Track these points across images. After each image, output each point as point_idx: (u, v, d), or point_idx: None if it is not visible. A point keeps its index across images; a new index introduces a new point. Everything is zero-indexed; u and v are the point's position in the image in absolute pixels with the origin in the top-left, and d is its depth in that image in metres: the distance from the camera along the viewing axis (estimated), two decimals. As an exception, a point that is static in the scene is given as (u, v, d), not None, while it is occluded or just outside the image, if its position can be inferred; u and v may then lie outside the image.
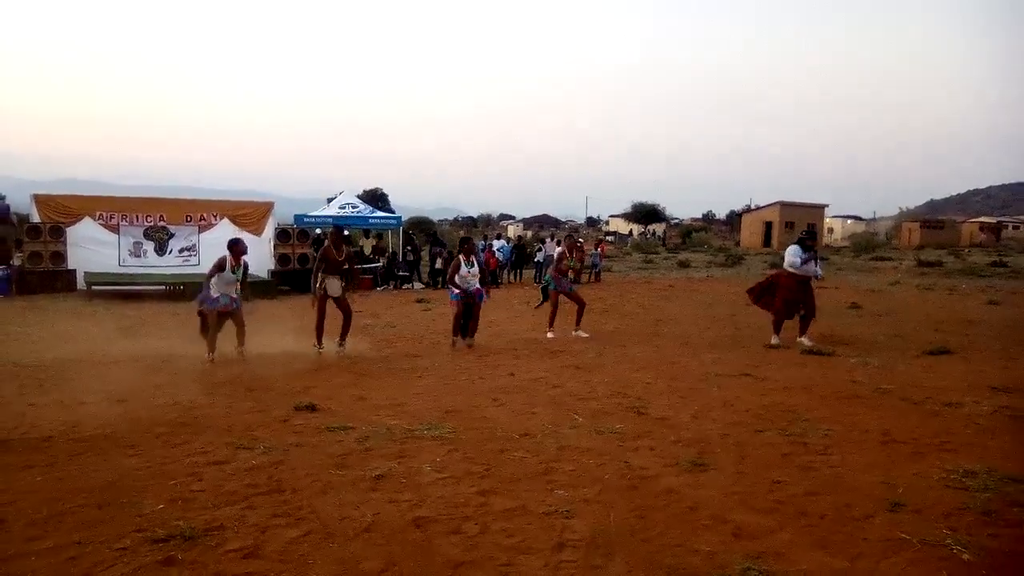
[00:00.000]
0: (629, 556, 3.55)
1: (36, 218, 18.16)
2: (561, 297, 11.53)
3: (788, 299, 10.23)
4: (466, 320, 10.43)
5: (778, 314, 10.35)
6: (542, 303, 11.62)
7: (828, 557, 3.52)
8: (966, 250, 45.72)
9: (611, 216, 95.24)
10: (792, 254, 10.27)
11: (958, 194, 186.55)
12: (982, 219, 76.74)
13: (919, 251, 43.59)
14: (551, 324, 11.46)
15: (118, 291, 17.05)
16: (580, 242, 12.99)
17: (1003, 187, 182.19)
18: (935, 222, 64.84)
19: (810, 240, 10.50)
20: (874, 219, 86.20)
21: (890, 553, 3.55)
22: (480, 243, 22.24)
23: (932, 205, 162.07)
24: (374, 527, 3.85)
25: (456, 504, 4.19)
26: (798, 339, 10.20)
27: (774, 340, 10.27)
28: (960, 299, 17.49)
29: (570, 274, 11.76)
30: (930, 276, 25.26)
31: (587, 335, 11.20)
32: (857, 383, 7.63)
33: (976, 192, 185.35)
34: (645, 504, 4.21)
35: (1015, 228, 72.69)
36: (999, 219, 79.76)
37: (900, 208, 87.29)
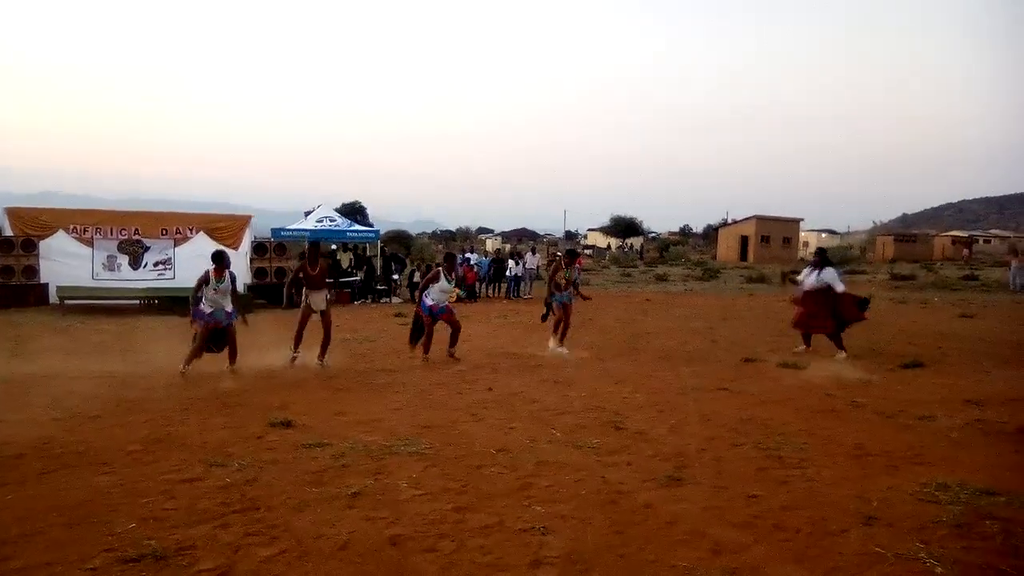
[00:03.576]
0: (606, 572, 3.54)
1: (8, 231, 17.90)
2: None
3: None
4: (421, 332, 10.43)
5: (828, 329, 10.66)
6: (546, 315, 11.46)
7: (804, 571, 3.54)
8: (938, 264, 46.33)
9: (589, 230, 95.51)
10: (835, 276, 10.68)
11: (931, 208, 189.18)
12: (954, 233, 77.80)
13: (892, 265, 44.14)
14: (555, 336, 11.17)
15: (92, 305, 16.84)
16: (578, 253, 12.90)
17: (975, 201, 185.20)
18: (908, 236, 65.69)
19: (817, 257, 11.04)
20: (848, 233, 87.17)
21: (864, 567, 3.58)
22: (458, 257, 22.23)
23: (906, 219, 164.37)
24: (349, 545, 3.82)
25: (433, 521, 4.17)
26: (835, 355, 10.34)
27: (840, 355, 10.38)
28: (933, 312, 17.70)
29: (564, 286, 11.30)
30: (903, 290, 25.55)
31: (564, 351, 11.02)
32: (832, 397, 7.69)
33: (949, 206, 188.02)
34: (622, 519, 4.21)
35: (986, 242, 73.77)
36: (971, 233, 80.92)
37: (874, 222, 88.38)
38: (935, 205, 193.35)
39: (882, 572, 3.53)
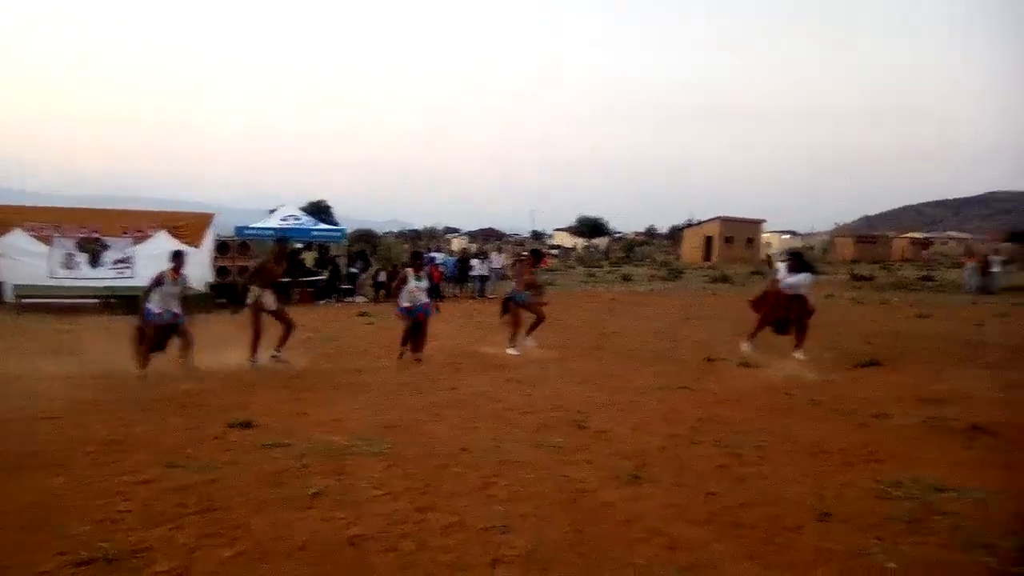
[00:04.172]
0: (565, 570, 3.57)
1: (-38, 229, 17.48)
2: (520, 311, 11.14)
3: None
4: (414, 335, 10.37)
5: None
6: (505, 312, 11.35)
7: (759, 568, 3.59)
8: (897, 264, 47.23)
9: (556, 230, 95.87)
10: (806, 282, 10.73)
11: (891, 210, 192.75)
12: (912, 235, 79.36)
13: (853, 265, 44.88)
14: (516, 337, 11.12)
15: (49, 304, 16.49)
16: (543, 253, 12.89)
17: (933, 204, 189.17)
18: (868, 237, 66.86)
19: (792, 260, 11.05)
20: (810, 234, 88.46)
21: (819, 563, 3.64)
22: (424, 256, 22.20)
23: (866, 221, 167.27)
24: (308, 546, 3.80)
25: (394, 521, 4.16)
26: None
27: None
28: (891, 312, 18.03)
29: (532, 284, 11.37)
30: (863, 290, 26.00)
31: (531, 343, 11.08)
32: (791, 395, 7.81)
33: (908, 208, 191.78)
34: (583, 518, 4.24)
35: (943, 244, 75.36)
36: (928, 235, 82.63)
37: (835, 223, 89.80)
38: (894, 207, 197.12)
39: (835, 568, 3.59)
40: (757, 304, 11.10)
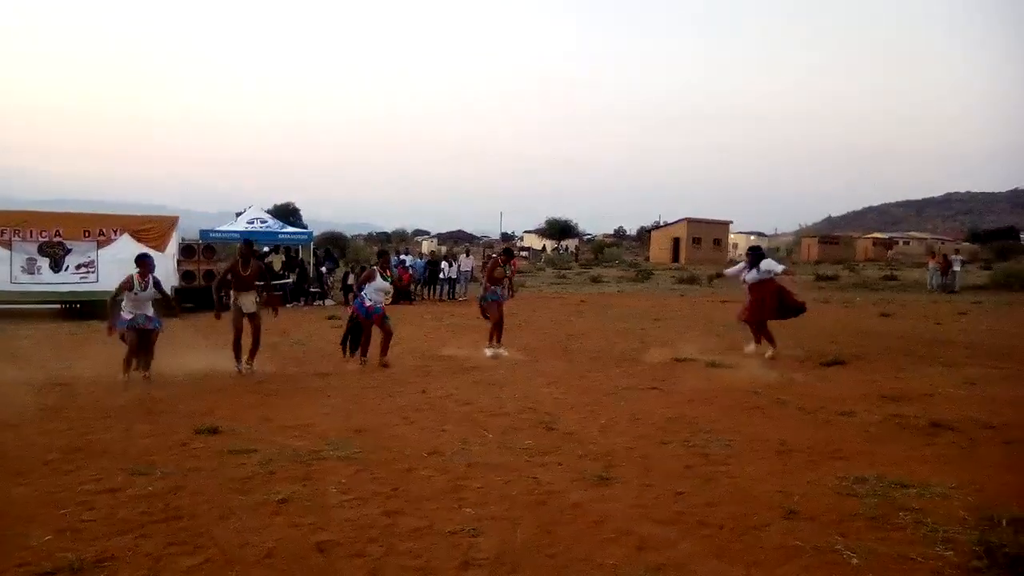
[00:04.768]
0: (534, 572, 3.57)
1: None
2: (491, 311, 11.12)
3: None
4: (355, 335, 10.36)
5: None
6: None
7: (725, 566, 3.63)
8: (861, 265, 47.97)
9: (525, 232, 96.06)
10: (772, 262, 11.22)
11: (854, 211, 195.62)
12: (876, 235, 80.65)
13: (817, 266, 45.53)
14: (492, 340, 11.09)
15: (10, 310, 16.16)
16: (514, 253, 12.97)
17: (895, 204, 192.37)
18: (832, 238, 67.89)
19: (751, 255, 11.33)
20: (775, 235, 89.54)
21: (784, 560, 3.68)
22: (393, 259, 22.11)
23: (830, 221, 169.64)
24: (275, 552, 3.76)
25: (361, 526, 4.13)
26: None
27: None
28: (854, 312, 18.32)
29: (505, 283, 11.43)
30: (827, 290, 26.37)
31: (504, 352, 10.99)
32: (758, 395, 7.88)
33: (871, 209, 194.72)
34: (552, 519, 4.25)
35: (906, 244, 76.68)
36: (891, 235, 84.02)
37: (800, 225, 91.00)
38: (858, 208, 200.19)
39: (801, 564, 3.64)
40: (744, 315, 11.21)
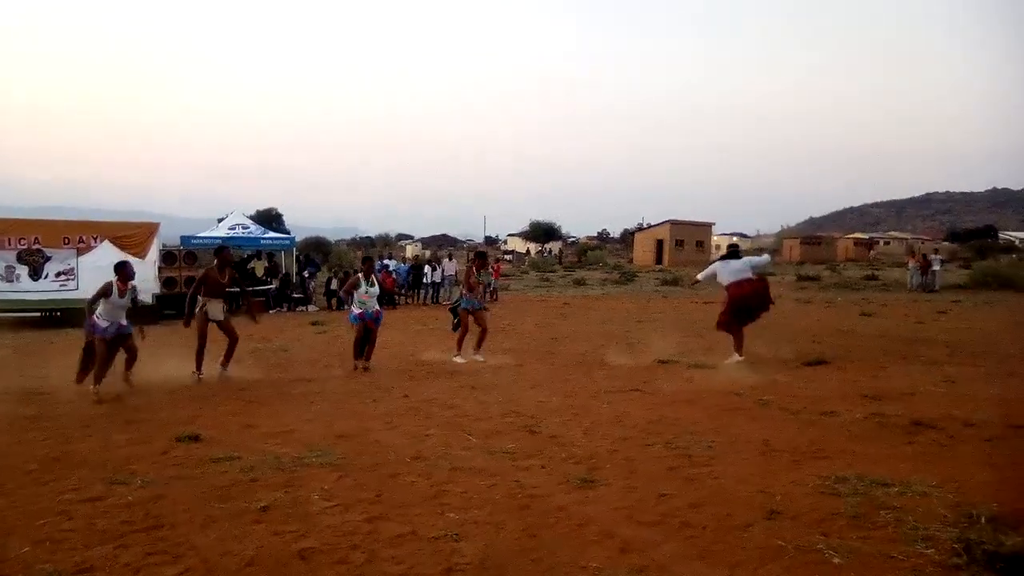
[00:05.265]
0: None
1: None
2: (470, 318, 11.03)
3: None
4: (364, 342, 10.27)
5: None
6: (456, 323, 11.19)
7: (708, 567, 3.63)
8: (842, 265, 48.34)
9: (509, 235, 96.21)
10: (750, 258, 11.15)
11: (835, 212, 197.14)
12: (857, 235, 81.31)
13: (799, 266, 45.82)
14: (460, 347, 11.03)
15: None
16: (489, 257, 12.91)
17: (875, 205, 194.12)
18: (814, 239, 68.35)
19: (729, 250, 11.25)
20: (758, 236, 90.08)
21: (767, 560, 3.69)
22: (376, 263, 22.11)
23: (813, 222, 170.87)
24: (257, 561, 3.73)
25: (344, 533, 4.11)
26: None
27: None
28: (836, 312, 18.45)
29: (479, 289, 11.42)
30: (809, 290, 26.55)
31: (483, 359, 10.86)
32: (740, 395, 7.91)
33: (852, 210, 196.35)
34: (535, 523, 4.24)
35: (886, 244, 77.36)
36: (872, 235, 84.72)
37: (782, 225, 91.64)
38: (839, 208, 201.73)
39: (783, 564, 3.65)
40: (721, 324, 10.78)
